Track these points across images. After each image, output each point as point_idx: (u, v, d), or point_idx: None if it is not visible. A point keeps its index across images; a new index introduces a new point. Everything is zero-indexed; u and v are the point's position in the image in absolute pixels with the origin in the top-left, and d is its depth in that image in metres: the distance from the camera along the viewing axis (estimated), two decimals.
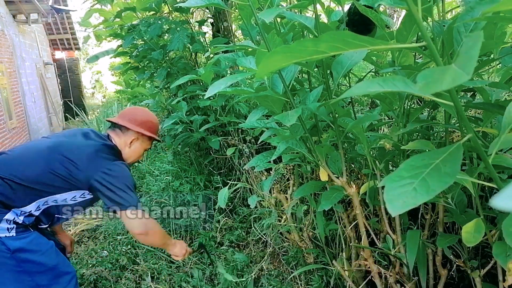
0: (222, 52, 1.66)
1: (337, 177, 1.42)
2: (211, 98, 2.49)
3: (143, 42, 3.06)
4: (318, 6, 1.23)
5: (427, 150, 1.03)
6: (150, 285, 2.34)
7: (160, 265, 2.53)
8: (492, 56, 1.23)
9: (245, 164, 2.72)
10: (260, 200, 2.36)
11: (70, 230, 3.13)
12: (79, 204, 1.67)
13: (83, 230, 3.15)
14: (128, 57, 3.41)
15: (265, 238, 2.45)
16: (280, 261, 2.33)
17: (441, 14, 1.10)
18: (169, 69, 3.06)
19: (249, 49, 1.35)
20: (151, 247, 2.69)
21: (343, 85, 2.13)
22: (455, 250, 1.41)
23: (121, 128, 1.77)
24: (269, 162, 1.57)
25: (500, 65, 1.35)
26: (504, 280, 1.13)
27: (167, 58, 3.07)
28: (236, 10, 2.58)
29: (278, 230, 2.31)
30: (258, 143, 2.19)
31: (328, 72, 1.31)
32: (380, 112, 1.54)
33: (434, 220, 1.52)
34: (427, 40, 0.59)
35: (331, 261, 1.80)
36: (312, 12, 1.27)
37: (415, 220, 1.65)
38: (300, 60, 0.59)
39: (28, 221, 1.54)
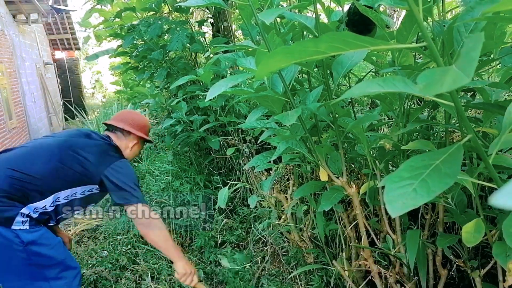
0: (222, 52, 1.66)
1: (337, 177, 1.42)
2: (211, 98, 2.49)
3: (143, 42, 3.05)
4: (318, 6, 1.23)
5: (427, 150, 1.03)
6: (150, 285, 2.34)
7: (160, 265, 2.53)
8: (492, 56, 1.23)
9: (245, 164, 2.72)
10: (260, 200, 2.36)
11: (70, 230, 3.13)
12: (88, 197, 1.74)
13: (83, 230, 3.15)
14: (128, 57, 3.41)
15: (265, 238, 2.45)
16: (280, 261, 2.33)
17: (441, 14, 1.10)
18: (169, 69, 3.06)
19: (249, 49, 1.34)
20: (152, 247, 2.69)
21: (343, 85, 2.13)
22: (455, 250, 1.41)
23: (123, 131, 1.85)
24: (269, 162, 1.58)
25: (500, 65, 1.35)
26: (504, 280, 1.13)
27: (167, 58, 3.07)
28: (236, 10, 2.58)
29: (278, 230, 2.31)
30: (258, 143, 2.19)
31: (328, 72, 1.31)
32: (380, 112, 1.54)
33: (434, 220, 1.52)
34: (428, 40, 0.59)
35: (331, 261, 1.80)
36: (312, 12, 1.27)
37: (415, 220, 1.65)
38: (300, 61, 0.59)
39: (42, 218, 1.60)
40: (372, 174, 1.43)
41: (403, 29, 1.07)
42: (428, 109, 1.52)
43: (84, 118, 7.67)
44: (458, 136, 1.55)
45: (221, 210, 2.97)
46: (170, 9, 3.06)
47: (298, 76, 1.76)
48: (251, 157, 2.75)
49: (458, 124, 1.06)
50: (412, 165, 0.59)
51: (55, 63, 11.10)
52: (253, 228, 2.57)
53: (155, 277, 2.45)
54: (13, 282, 1.57)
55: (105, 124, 1.92)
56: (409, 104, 1.35)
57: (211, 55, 2.49)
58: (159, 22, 2.82)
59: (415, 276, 1.45)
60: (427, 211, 1.52)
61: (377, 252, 1.58)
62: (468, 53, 0.43)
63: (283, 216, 2.17)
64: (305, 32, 1.47)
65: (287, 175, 2.27)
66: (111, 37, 3.31)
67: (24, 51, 7.53)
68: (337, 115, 1.35)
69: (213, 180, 3.27)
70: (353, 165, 1.82)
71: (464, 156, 1.07)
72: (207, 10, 3.42)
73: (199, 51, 3.11)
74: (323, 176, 1.49)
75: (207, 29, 3.87)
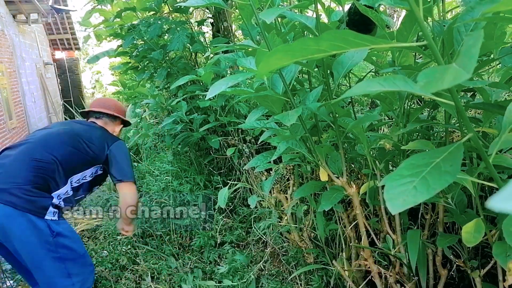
0: (222, 52, 1.66)
1: (337, 177, 1.42)
2: (211, 98, 2.50)
3: (143, 42, 3.05)
4: (319, 6, 1.23)
5: (427, 150, 1.03)
6: (150, 285, 2.34)
7: (160, 265, 2.53)
8: (492, 56, 1.24)
9: (245, 164, 2.72)
10: (260, 200, 2.36)
11: None
12: (94, 180, 1.89)
13: (83, 230, 3.15)
14: (128, 57, 3.41)
15: (265, 238, 2.45)
16: (280, 261, 2.33)
17: (441, 14, 1.10)
18: (169, 69, 3.06)
19: (250, 49, 1.35)
20: (152, 247, 2.70)
21: (343, 85, 2.13)
22: (455, 250, 1.41)
23: (109, 116, 2.03)
24: (269, 162, 1.58)
25: (500, 65, 1.35)
26: (504, 280, 1.13)
27: (167, 58, 3.07)
28: (236, 10, 2.58)
29: (278, 230, 2.31)
30: (258, 143, 2.19)
31: (328, 72, 1.31)
32: (380, 112, 1.54)
33: (434, 220, 1.52)
34: (428, 39, 0.59)
35: (331, 261, 1.80)
36: (312, 12, 1.27)
37: (415, 220, 1.65)
38: (301, 59, 0.59)
39: (65, 205, 1.73)
40: (372, 174, 1.43)
41: (403, 29, 1.07)
42: (428, 109, 1.52)
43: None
44: (458, 136, 1.55)
45: (221, 210, 2.97)
46: (170, 9, 3.06)
47: (298, 76, 1.76)
48: (251, 157, 2.75)
49: (458, 124, 1.07)
50: (412, 163, 0.59)
51: (55, 63, 11.10)
52: (253, 228, 2.57)
53: (155, 277, 2.45)
54: (39, 274, 1.63)
55: (87, 112, 2.07)
56: (409, 104, 1.35)
57: (211, 55, 2.49)
58: (159, 22, 2.82)
59: (415, 276, 1.45)
60: (427, 211, 1.52)
61: (377, 252, 1.58)
62: (468, 50, 0.43)
63: (283, 216, 2.17)
64: (305, 32, 1.47)
65: (287, 175, 2.27)
66: (111, 37, 3.31)
67: (24, 51, 7.53)
68: (337, 115, 1.35)
69: (213, 180, 3.27)
70: (353, 165, 1.82)
71: (464, 156, 1.07)
72: (207, 10, 3.42)
73: (199, 51, 3.11)
74: (323, 176, 1.49)
75: (207, 29, 3.87)
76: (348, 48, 0.56)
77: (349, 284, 1.63)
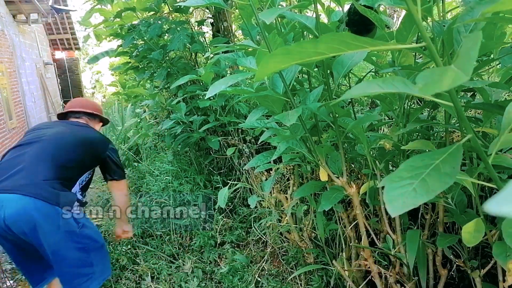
0: (222, 52, 1.66)
1: (337, 177, 1.42)
2: (211, 98, 2.50)
3: (143, 42, 3.05)
4: (318, 6, 1.23)
5: (427, 150, 1.03)
6: (150, 285, 2.34)
7: (160, 265, 2.53)
8: (492, 56, 1.24)
9: (245, 164, 2.72)
10: (260, 200, 2.36)
11: None
12: (88, 182, 1.97)
13: None
14: (128, 57, 3.41)
15: (265, 238, 2.45)
16: (280, 261, 2.33)
17: (441, 14, 1.10)
18: (169, 69, 3.06)
19: (250, 49, 1.35)
20: (152, 247, 2.70)
21: (343, 85, 2.13)
22: (455, 250, 1.41)
23: (90, 116, 2.08)
24: (269, 162, 1.58)
25: (500, 65, 1.35)
26: (504, 280, 1.13)
27: (167, 58, 3.07)
28: (236, 10, 2.58)
29: (278, 230, 2.31)
30: (258, 143, 2.19)
31: (328, 72, 1.31)
32: (380, 112, 1.54)
33: (434, 220, 1.52)
34: (427, 40, 0.59)
35: (331, 261, 1.80)
36: (312, 12, 1.27)
37: (415, 220, 1.65)
38: (300, 62, 0.59)
39: (81, 198, 1.86)
40: (372, 174, 1.43)
41: (403, 29, 1.07)
42: (428, 109, 1.52)
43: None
44: (458, 136, 1.55)
45: (221, 210, 2.97)
46: (170, 9, 3.06)
47: (298, 76, 1.76)
48: (251, 157, 2.75)
49: (458, 124, 1.07)
50: (412, 165, 0.59)
51: (55, 63, 11.09)
52: (253, 228, 2.57)
53: (155, 277, 2.45)
54: (63, 264, 1.68)
55: (65, 113, 2.09)
56: (409, 104, 1.35)
57: (211, 55, 2.49)
58: (159, 22, 2.82)
59: (415, 276, 1.45)
60: (427, 211, 1.52)
61: (377, 252, 1.58)
62: (466, 52, 0.43)
63: (283, 216, 2.17)
64: (305, 32, 1.47)
65: (287, 175, 2.27)
66: (111, 37, 3.31)
67: (24, 51, 7.53)
68: (337, 115, 1.35)
69: (213, 180, 3.27)
70: (353, 165, 1.82)
71: (464, 156, 1.07)
72: (207, 10, 3.42)
73: (199, 51, 3.11)
74: (323, 176, 1.49)
75: (207, 29, 3.87)
76: (346, 51, 0.56)
77: (349, 284, 1.63)
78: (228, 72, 2.79)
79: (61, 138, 1.81)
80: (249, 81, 1.98)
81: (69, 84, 11.97)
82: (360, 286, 1.64)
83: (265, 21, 0.93)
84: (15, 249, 1.71)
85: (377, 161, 1.40)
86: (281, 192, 2.20)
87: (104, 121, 2.21)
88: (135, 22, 3.00)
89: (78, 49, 12.51)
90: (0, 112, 5.56)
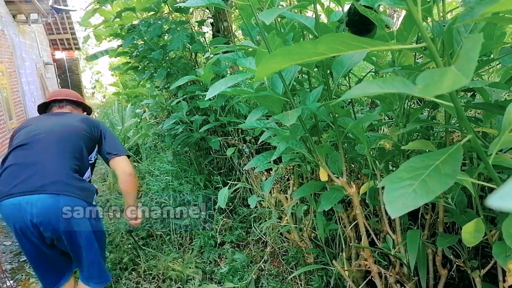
0: (222, 52, 1.66)
1: (337, 177, 1.42)
2: (211, 99, 2.50)
3: (143, 42, 3.05)
4: (318, 7, 1.23)
5: (427, 150, 1.03)
6: (150, 285, 2.34)
7: (160, 265, 2.52)
8: (492, 56, 1.23)
9: (245, 164, 2.72)
10: (260, 200, 2.36)
11: None
12: (94, 163, 2.00)
13: None
14: (128, 57, 3.41)
15: (265, 238, 2.45)
16: (280, 261, 2.33)
17: (441, 14, 1.10)
18: (169, 69, 3.06)
19: (249, 49, 1.34)
20: (153, 248, 2.70)
21: (343, 85, 2.12)
22: (455, 250, 1.41)
23: (74, 104, 2.10)
24: (269, 162, 1.57)
25: (500, 65, 1.35)
26: (504, 280, 1.13)
27: (167, 58, 3.07)
28: (236, 10, 2.57)
29: (278, 230, 2.31)
30: (258, 143, 2.19)
31: (328, 72, 1.31)
32: (380, 112, 1.54)
33: (434, 220, 1.52)
34: (427, 40, 0.59)
35: (331, 261, 1.80)
36: (312, 12, 1.27)
37: (415, 220, 1.65)
38: (299, 62, 0.59)
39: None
40: (372, 174, 1.43)
41: (403, 29, 1.07)
42: (428, 109, 1.51)
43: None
44: (458, 136, 1.54)
45: (221, 210, 2.97)
46: (170, 9, 3.06)
47: (298, 76, 1.76)
48: (251, 157, 2.75)
49: (458, 124, 1.06)
50: (411, 166, 0.59)
51: (55, 63, 11.10)
52: (253, 228, 2.57)
53: (155, 277, 2.45)
54: (90, 255, 1.76)
55: (47, 103, 2.09)
56: (409, 104, 1.35)
57: (211, 55, 2.49)
58: (159, 22, 2.81)
59: (415, 276, 1.45)
60: (427, 211, 1.52)
61: (377, 252, 1.58)
62: (466, 53, 0.43)
63: (283, 216, 2.17)
64: (305, 33, 1.47)
65: (287, 175, 2.27)
66: (111, 37, 3.31)
67: (24, 51, 7.53)
68: (337, 115, 1.35)
69: (213, 180, 3.26)
70: (353, 165, 1.82)
71: (464, 156, 1.07)
72: (207, 10, 3.42)
73: (199, 51, 3.11)
74: (323, 176, 1.49)
75: (207, 29, 3.87)
76: (346, 51, 0.56)
77: (349, 284, 1.63)
78: (228, 72, 2.78)
79: (60, 130, 1.83)
80: (249, 81, 1.98)
81: (69, 84, 11.98)
82: (360, 286, 1.64)
83: (265, 21, 0.93)
84: (34, 251, 1.72)
85: (377, 161, 1.40)
86: (281, 192, 2.20)
87: (88, 110, 2.23)
88: (135, 22, 3.00)
89: (78, 49, 12.51)
90: (0, 112, 5.56)
